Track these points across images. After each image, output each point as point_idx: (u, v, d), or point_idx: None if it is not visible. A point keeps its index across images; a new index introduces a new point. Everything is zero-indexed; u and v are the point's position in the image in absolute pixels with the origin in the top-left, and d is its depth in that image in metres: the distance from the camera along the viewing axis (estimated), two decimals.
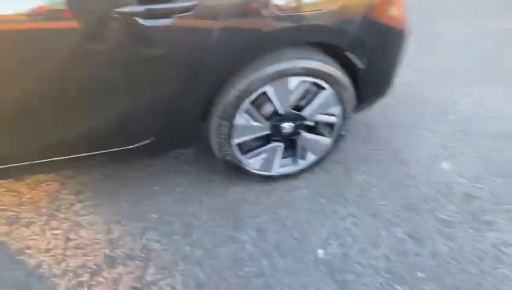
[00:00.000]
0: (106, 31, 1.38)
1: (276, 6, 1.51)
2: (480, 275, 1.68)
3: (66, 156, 1.63)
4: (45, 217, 1.79)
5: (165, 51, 1.48)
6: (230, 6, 1.46)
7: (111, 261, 1.64)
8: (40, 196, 1.87)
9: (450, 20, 3.47)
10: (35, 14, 1.29)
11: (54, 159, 1.63)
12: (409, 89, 2.67)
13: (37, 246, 1.68)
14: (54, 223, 1.77)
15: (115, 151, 1.68)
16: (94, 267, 1.62)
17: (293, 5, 1.54)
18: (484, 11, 3.69)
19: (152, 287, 1.56)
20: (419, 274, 1.69)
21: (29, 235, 1.71)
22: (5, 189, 1.89)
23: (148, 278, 1.60)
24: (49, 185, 1.92)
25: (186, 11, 1.42)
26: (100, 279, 1.58)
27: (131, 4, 1.36)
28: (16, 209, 1.81)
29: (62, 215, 1.80)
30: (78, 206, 1.85)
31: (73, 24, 1.33)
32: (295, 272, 1.66)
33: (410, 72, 2.79)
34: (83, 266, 1.62)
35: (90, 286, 1.55)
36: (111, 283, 1.57)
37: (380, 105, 2.29)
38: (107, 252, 1.68)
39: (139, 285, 1.57)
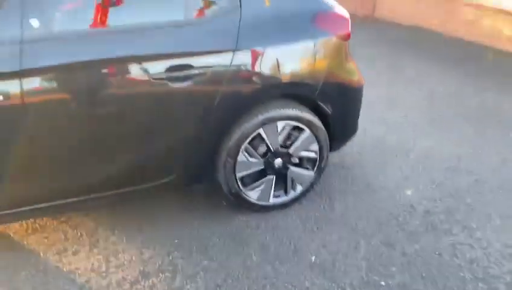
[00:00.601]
0: (148, 91, 1.93)
1: (262, 74, 2.10)
2: (439, 266, 2.13)
3: (105, 192, 2.10)
4: (88, 247, 2.19)
5: (186, 105, 2.03)
6: (231, 73, 2.05)
7: (145, 274, 2.04)
8: (80, 231, 2.28)
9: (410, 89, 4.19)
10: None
11: (91, 196, 2.09)
12: (377, 138, 3.23)
13: (84, 267, 2.07)
14: (96, 251, 2.17)
15: (146, 187, 2.16)
16: (132, 279, 2.02)
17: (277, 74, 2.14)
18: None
19: None
20: (393, 268, 2.12)
21: (77, 260, 2.11)
22: (50, 227, 2.30)
23: (177, 284, 2.00)
24: (84, 222, 2.34)
25: (199, 77, 1.99)
26: (139, 286, 1.97)
27: (162, 73, 1.93)
28: (63, 244, 2.21)
29: (102, 245, 2.21)
30: (113, 237, 2.26)
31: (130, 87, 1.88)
32: (294, 273, 2.08)
33: (379, 125, 3.39)
34: (123, 279, 2.02)
35: None
36: (148, 289, 1.96)
37: (352, 152, 2.85)
38: (142, 268, 2.08)
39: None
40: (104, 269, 2.07)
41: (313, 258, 2.17)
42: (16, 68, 1.72)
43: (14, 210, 1.97)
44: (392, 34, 6.01)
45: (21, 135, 1.84)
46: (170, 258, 2.15)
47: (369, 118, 3.40)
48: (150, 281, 2.01)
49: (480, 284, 2.04)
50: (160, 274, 2.05)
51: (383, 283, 2.04)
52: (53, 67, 1.79)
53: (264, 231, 2.34)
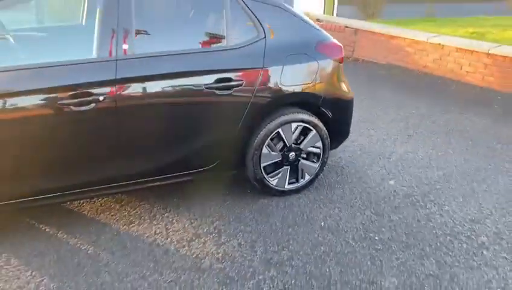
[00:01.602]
0: (202, 97, 2.66)
1: (281, 86, 2.86)
2: (418, 227, 2.84)
3: (167, 175, 2.77)
4: (148, 220, 2.83)
5: (227, 109, 2.75)
6: (258, 85, 2.79)
7: (197, 235, 2.68)
8: (140, 210, 2.91)
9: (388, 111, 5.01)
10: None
11: (159, 177, 2.76)
12: (364, 146, 3.98)
13: (149, 232, 2.71)
14: (155, 222, 2.81)
15: (198, 172, 2.84)
16: (188, 238, 2.65)
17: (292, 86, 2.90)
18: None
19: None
20: (382, 229, 2.81)
21: (143, 229, 2.74)
22: (114, 208, 2.92)
23: (222, 241, 2.64)
24: (141, 203, 2.97)
25: (238, 87, 2.73)
26: (194, 243, 2.61)
27: (212, 84, 2.66)
28: (128, 218, 2.83)
29: (159, 218, 2.85)
30: (167, 213, 2.90)
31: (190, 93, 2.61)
32: (309, 232, 2.74)
33: (365, 138, 4.15)
34: (181, 239, 2.65)
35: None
36: (201, 244, 2.60)
37: (345, 156, 3.57)
38: (194, 231, 2.72)
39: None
40: (164, 233, 2.71)
41: (322, 223, 2.85)
42: (112, 77, 2.44)
43: (103, 186, 2.62)
44: (370, 70, 6.94)
45: (111, 129, 2.53)
46: (214, 225, 2.80)
47: (356, 133, 4.17)
48: (202, 239, 2.66)
49: (448, 238, 2.74)
50: (209, 235, 2.70)
51: (376, 238, 2.73)
52: (138, 77, 2.51)
53: (283, 208, 3.02)
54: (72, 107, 2.38)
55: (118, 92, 2.46)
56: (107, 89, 2.44)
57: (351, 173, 3.54)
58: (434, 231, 2.81)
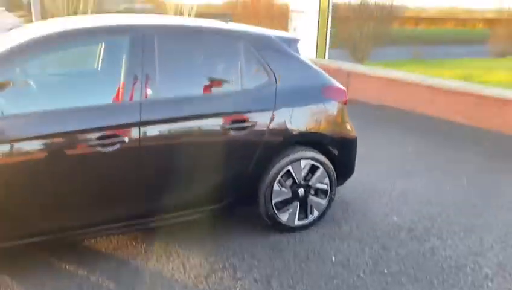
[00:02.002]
0: (219, 137, 2.82)
1: (291, 126, 3.04)
2: (424, 260, 2.97)
3: (184, 211, 2.89)
4: (164, 257, 2.91)
5: (241, 148, 2.92)
6: (270, 125, 2.97)
7: (214, 271, 2.77)
8: (154, 247, 3.00)
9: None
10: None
11: (173, 215, 2.88)
12: (366, 184, 4.14)
13: (167, 269, 2.79)
14: (171, 258, 2.90)
15: (213, 208, 2.96)
16: (205, 274, 2.74)
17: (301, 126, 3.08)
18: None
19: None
20: (390, 263, 2.93)
21: (161, 265, 2.82)
22: (130, 246, 3.00)
23: (238, 276, 2.73)
24: (155, 240, 3.06)
25: (251, 128, 2.90)
26: (211, 279, 2.70)
27: (227, 124, 2.84)
28: (145, 255, 2.92)
29: (175, 255, 2.94)
30: (182, 250, 2.99)
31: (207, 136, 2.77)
32: (321, 267, 2.85)
33: (365, 176, 4.33)
34: (198, 274, 2.74)
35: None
36: (218, 280, 2.69)
37: (349, 192, 3.73)
38: (210, 267, 2.81)
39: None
40: (182, 269, 2.80)
41: (333, 258, 2.97)
42: (137, 120, 2.60)
43: (123, 223, 2.73)
44: (364, 111, 7.20)
45: (132, 169, 2.67)
46: (229, 261, 2.89)
47: (357, 170, 4.32)
48: (219, 275, 2.75)
49: (453, 270, 2.87)
50: (225, 271, 2.79)
51: (386, 271, 2.84)
52: (160, 120, 2.67)
53: (294, 243, 3.13)
54: (99, 148, 2.52)
55: (141, 134, 2.61)
56: (131, 131, 2.59)
57: (356, 209, 3.68)
58: (440, 264, 2.93)
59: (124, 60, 2.66)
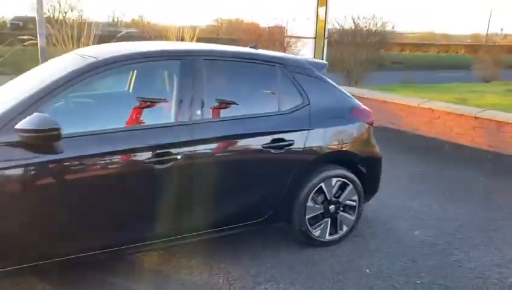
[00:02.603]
0: (259, 155, 3.00)
1: (324, 145, 3.24)
2: (452, 270, 3.15)
3: (225, 227, 3.03)
4: (207, 271, 3.04)
5: (279, 166, 3.09)
6: (306, 144, 3.16)
7: (259, 283, 2.90)
8: (195, 261, 3.12)
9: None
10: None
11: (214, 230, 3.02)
12: (381, 204, 4.33)
13: (212, 282, 2.91)
14: (214, 272, 3.02)
15: (252, 223, 3.11)
16: (250, 286, 2.87)
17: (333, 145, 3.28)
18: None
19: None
20: (421, 273, 3.10)
21: (206, 278, 2.94)
22: (172, 260, 3.12)
23: (281, 287, 2.87)
24: (195, 255, 3.18)
25: (289, 146, 3.09)
26: None
27: (268, 143, 3.02)
28: (189, 269, 3.03)
29: (215, 268, 3.06)
30: (221, 264, 3.12)
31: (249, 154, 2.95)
32: (356, 279, 3.01)
33: (378, 194, 4.53)
34: (244, 286, 2.87)
35: None
36: None
37: (370, 211, 3.92)
38: (253, 280, 2.94)
39: None
40: (226, 281, 2.92)
41: (367, 270, 3.13)
42: (188, 138, 2.77)
43: (171, 238, 2.86)
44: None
45: (183, 185, 2.82)
46: (270, 274, 3.03)
47: None
48: (263, 286, 2.88)
49: (481, 280, 3.05)
50: (268, 283, 2.93)
51: (418, 282, 3.01)
52: (209, 139, 2.84)
53: (328, 257, 3.28)
54: (155, 165, 2.68)
55: (192, 151, 2.78)
56: (183, 149, 2.75)
57: (379, 224, 3.86)
58: (467, 275, 3.11)
59: (175, 82, 2.84)
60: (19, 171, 2.41)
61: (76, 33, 9.48)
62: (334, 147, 3.32)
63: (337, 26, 12.27)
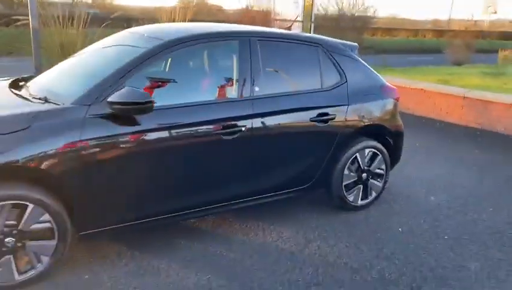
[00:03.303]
0: (307, 128, 3.32)
1: (360, 119, 3.60)
2: (468, 227, 3.60)
3: (277, 192, 3.36)
4: (261, 232, 3.36)
5: (323, 137, 3.43)
6: (345, 118, 3.51)
7: (309, 241, 3.25)
8: (249, 224, 3.43)
9: None
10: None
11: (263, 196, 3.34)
12: (396, 171, 4.75)
13: (266, 239, 3.24)
14: (266, 233, 3.35)
15: (298, 190, 3.45)
16: (303, 244, 3.22)
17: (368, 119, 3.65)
18: None
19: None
20: (438, 230, 3.53)
21: (259, 238, 3.27)
22: (226, 224, 3.42)
23: (331, 243, 3.23)
24: (248, 219, 3.49)
25: (332, 120, 3.43)
26: (310, 246, 3.18)
27: (315, 117, 3.34)
28: (242, 231, 3.35)
29: (267, 230, 3.39)
30: (272, 226, 3.44)
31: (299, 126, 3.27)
32: (391, 236, 3.41)
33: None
34: (297, 243, 3.21)
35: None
36: (316, 247, 3.18)
37: (395, 180, 4.32)
38: (304, 238, 3.29)
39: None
40: (281, 240, 3.26)
41: (400, 229, 3.54)
42: (250, 112, 3.06)
43: (231, 202, 3.17)
44: None
45: (246, 154, 3.11)
46: (316, 233, 3.39)
47: None
48: (315, 243, 3.24)
49: (498, 235, 3.51)
50: (318, 240, 3.28)
51: (446, 237, 3.44)
52: (266, 112, 3.14)
53: (361, 219, 3.67)
54: (223, 136, 2.96)
55: (253, 124, 3.07)
56: (247, 122, 3.04)
57: (398, 192, 4.28)
58: (486, 231, 3.57)
59: (236, 61, 3.12)
60: (112, 142, 2.64)
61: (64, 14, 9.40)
62: (368, 121, 3.69)
63: (322, 11, 12.60)
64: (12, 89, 3.06)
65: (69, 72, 3.30)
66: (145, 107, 2.59)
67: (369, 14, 13.14)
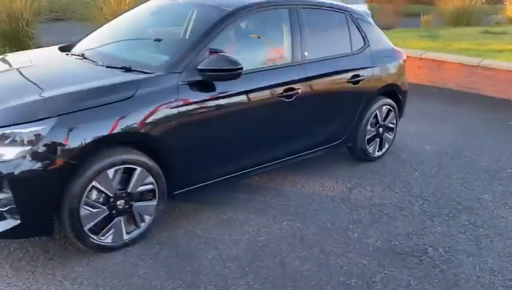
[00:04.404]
0: (343, 89, 3.72)
1: (382, 78, 4.06)
2: (471, 168, 4.29)
3: (316, 149, 3.75)
4: (312, 183, 3.76)
5: (355, 96, 3.86)
6: (371, 78, 3.95)
7: (350, 189, 3.71)
8: (288, 177, 3.80)
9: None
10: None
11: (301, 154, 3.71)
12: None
13: (311, 190, 3.65)
14: (311, 184, 3.75)
15: (332, 145, 3.86)
16: (347, 191, 3.68)
17: (388, 78, 4.12)
18: None
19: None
20: (456, 177, 4.18)
21: (307, 189, 3.66)
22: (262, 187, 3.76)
23: (377, 193, 3.72)
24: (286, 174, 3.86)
25: (362, 81, 3.85)
26: (354, 192, 3.65)
27: (350, 78, 3.74)
28: (281, 184, 3.72)
29: (312, 181, 3.79)
30: (320, 178, 3.85)
31: (339, 87, 3.66)
32: (406, 191, 3.98)
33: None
34: (342, 191, 3.66)
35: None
36: (358, 193, 3.65)
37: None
38: (346, 187, 3.74)
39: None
40: (325, 189, 3.68)
41: (416, 173, 4.11)
42: (303, 76, 3.38)
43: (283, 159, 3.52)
44: None
45: (300, 114, 3.45)
46: (353, 181, 3.86)
47: None
48: (355, 190, 3.71)
49: (492, 173, 4.22)
50: (358, 188, 3.75)
51: (454, 177, 4.07)
52: (315, 76, 3.48)
53: (382, 168, 4.20)
54: (284, 99, 3.26)
55: (306, 87, 3.40)
56: (301, 84, 3.36)
57: (397, 144, 4.83)
58: (482, 169, 4.26)
59: (288, 28, 3.40)
60: (202, 105, 2.85)
61: None
62: (388, 80, 4.17)
63: None
64: (78, 57, 3.11)
65: (131, 39, 3.40)
66: (236, 73, 2.81)
67: None
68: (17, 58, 3.46)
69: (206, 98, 2.86)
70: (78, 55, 3.18)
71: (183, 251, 2.78)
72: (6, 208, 2.33)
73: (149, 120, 2.63)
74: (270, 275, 2.61)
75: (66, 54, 3.29)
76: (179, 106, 2.74)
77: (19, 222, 2.35)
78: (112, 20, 3.83)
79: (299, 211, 3.32)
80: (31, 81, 2.75)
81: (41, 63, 3.24)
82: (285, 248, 2.87)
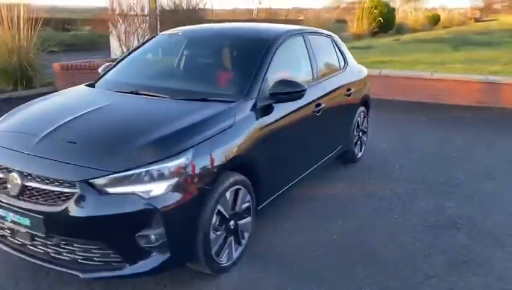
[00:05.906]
0: (341, 101, 4.35)
1: (361, 90, 4.80)
2: (441, 160, 5.27)
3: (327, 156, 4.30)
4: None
5: (351, 106, 4.52)
6: (353, 92, 4.65)
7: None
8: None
9: None
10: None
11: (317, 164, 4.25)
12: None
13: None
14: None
15: (337, 151, 4.45)
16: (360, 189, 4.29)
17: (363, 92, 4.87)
18: None
19: None
20: (431, 164, 5.09)
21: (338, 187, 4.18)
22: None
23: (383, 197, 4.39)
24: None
25: (352, 94, 4.53)
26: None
27: (345, 92, 4.39)
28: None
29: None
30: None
31: (341, 101, 4.28)
32: (408, 171, 4.78)
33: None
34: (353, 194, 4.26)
35: None
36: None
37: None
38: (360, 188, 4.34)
39: None
40: (344, 189, 4.24)
41: (396, 165, 4.91)
42: (324, 92, 3.93)
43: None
44: None
45: (322, 126, 3.97)
46: (359, 179, 4.48)
47: None
48: (369, 184, 4.33)
49: (458, 156, 5.24)
50: (367, 183, 4.38)
51: (454, 154, 4.97)
52: (328, 92, 4.04)
53: (368, 165, 4.91)
54: (315, 113, 3.76)
55: (326, 101, 3.94)
56: (323, 100, 3.89)
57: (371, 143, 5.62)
58: (452, 154, 5.25)
59: (306, 51, 3.92)
60: (276, 124, 3.22)
61: None
62: (364, 92, 4.95)
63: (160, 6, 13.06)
64: (128, 94, 3.21)
65: (185, 70, 3.79)
66: (301, 94, 3.22)
67: (201, 7, 14.11)
68: (71, 99, 3.44)
69: (278, 117, 3.23)
70: (129, 92, 3.23)
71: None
72: (158, 243, 2.38)
73: (246, 143, 2.89)
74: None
75: (109, 91, 3.32)
76: (262, 127, 3.05)
77: (169, 255, 2.42)
78: (128, 54, 3.91)
79: (341, 210, 3.81)
80: (130, 121, 2.82)
81: (108, 102, 3.09)
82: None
